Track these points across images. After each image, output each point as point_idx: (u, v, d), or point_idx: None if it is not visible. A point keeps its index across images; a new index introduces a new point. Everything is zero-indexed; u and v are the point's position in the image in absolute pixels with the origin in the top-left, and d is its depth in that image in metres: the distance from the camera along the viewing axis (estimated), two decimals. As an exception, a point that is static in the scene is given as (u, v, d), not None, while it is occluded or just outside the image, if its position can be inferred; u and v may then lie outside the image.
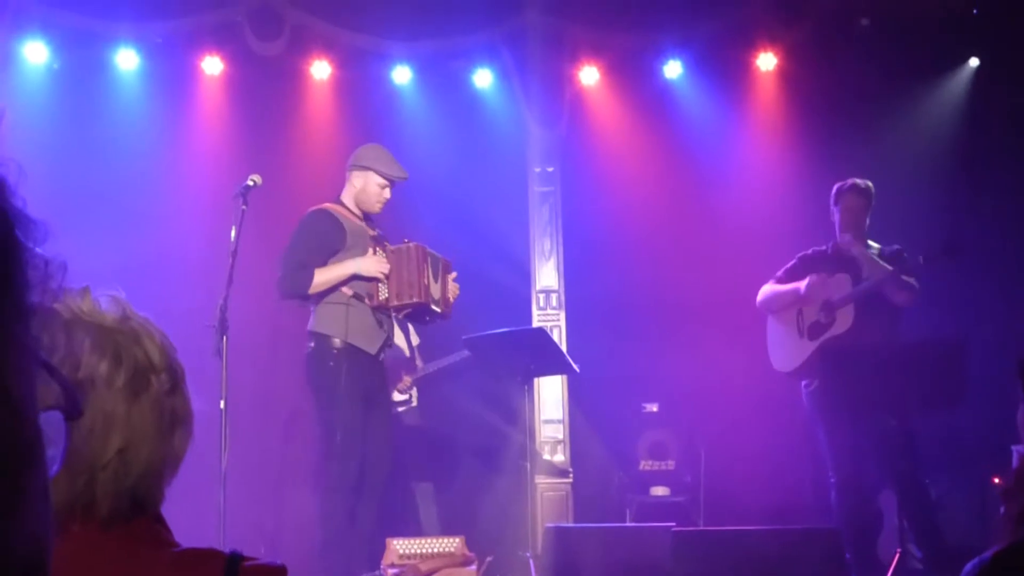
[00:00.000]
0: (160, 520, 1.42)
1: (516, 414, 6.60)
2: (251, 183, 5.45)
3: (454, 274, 5.93)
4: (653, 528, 5.63)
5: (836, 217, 6.22)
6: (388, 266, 5.70)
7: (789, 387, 6.47)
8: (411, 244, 5.79)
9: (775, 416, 7.01)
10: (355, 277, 5.70)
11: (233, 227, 5.38)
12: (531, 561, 5.77)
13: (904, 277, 5.96)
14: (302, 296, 5.70)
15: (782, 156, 7.67)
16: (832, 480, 5.98)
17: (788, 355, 6.25)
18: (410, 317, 6.03)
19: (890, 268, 5.97)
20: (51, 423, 0.70)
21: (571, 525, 6.56)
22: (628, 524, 6.77)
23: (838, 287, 6.11)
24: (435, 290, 5.79)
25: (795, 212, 7.31)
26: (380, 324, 5.74)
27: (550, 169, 7.58)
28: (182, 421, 1.43)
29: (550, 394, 7.27)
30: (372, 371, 5.73)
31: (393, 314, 5.82)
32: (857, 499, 5.93)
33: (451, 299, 5.90)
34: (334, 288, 5.68)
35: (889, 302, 5.99)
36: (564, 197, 7.56)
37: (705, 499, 7.03)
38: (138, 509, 1.38)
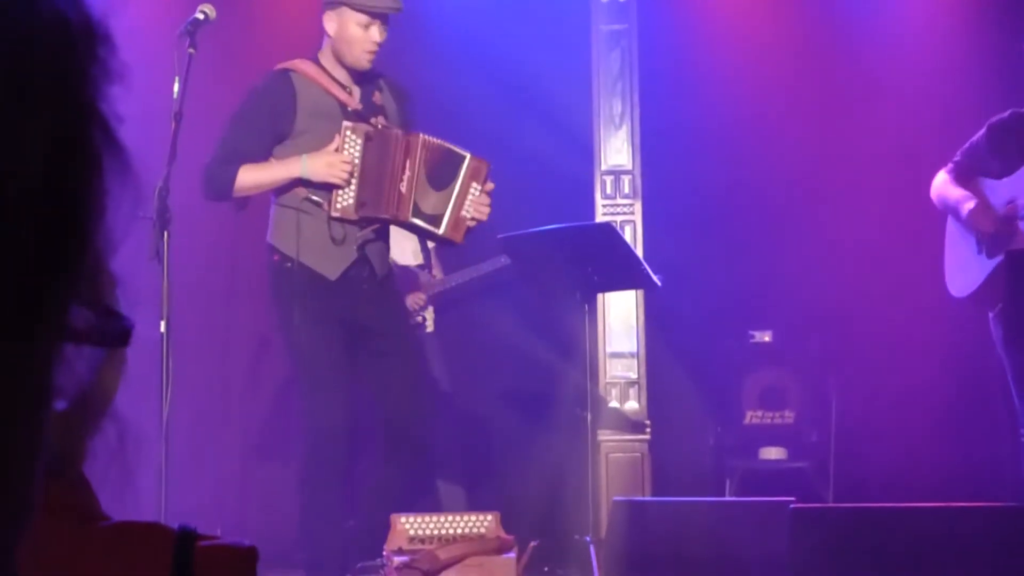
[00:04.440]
0: (83, 484, 1.43)
1: (572, 344, 6.61)
2: (201, 16, 5.44)
3: (488, 186, 5.79)
4: (764, 504, 5.65)
5: None
6: (349, 165, 5.61)
7: (965, 312, 6.43)
8: (394, 131, 5.70)
9: (941, 352, 6.97)
10: (302, 181, 5.63)
11: (177, 79, 5.36)
12: (591, 547, 5.81)
13: None
14: (226, 199, 5.73)
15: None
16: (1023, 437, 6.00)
17: (965, 273, 6.19)
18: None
19: None
20: None
21: (648, 499, 6.61)
22: (728, 499, 6.84)
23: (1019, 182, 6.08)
24: (429, 202, 5.70)
25: (969, 67, 7.21)
26: (338, 240, 5.66)
27: (623, -2, 7.50)
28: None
29: (620, 317, 7.27)
30: (353, 298, 5.70)
31: (362, 227, 5.72)
32: None
33: (468, 219, 5.76)
34: (286, 188, 5.65)
35: None
36: (642, 39, 7.47)
37: (836, 465, 7.05)
38: (55, 469, 1.38)
